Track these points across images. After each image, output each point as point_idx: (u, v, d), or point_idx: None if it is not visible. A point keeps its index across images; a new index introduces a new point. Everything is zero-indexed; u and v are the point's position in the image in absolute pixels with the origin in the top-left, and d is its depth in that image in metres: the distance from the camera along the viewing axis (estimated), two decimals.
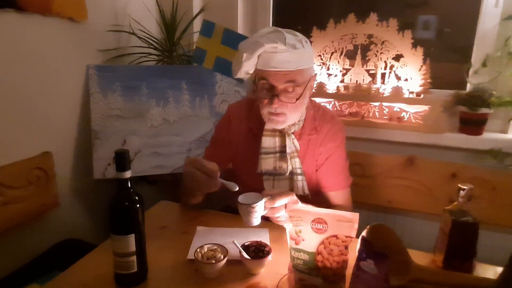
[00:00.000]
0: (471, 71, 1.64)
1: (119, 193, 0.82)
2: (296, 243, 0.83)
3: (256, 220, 0.95)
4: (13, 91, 1.32)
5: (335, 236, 0.80)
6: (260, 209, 0.94)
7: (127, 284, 0.85)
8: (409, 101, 1.66)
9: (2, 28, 1.27)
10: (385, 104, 1.71)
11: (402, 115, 1.70)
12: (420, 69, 1.62)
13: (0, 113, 1.29)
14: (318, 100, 1.66)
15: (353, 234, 0.79)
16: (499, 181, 1.40)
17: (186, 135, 1.73)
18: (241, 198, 0.96)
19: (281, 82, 1.05)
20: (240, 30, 1.96)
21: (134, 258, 0.82)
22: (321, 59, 1.79)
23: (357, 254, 0.81)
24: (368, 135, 1.72)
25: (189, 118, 1.75)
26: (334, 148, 1.19)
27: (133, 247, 0.82)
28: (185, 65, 1.86)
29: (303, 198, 1.07)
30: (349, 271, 0.82)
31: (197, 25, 1.88)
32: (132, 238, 0.81)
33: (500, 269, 0.78)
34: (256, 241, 0.94)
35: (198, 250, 0.90)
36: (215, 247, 0.92)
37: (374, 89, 1.72)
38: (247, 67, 1.06)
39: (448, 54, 1.81)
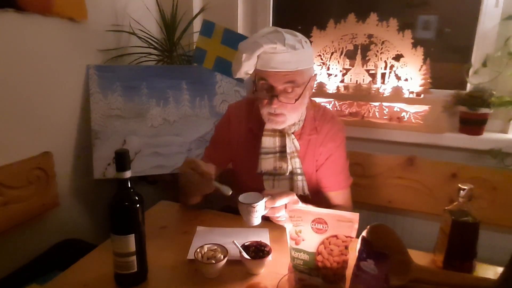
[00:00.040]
0: (471, 71, 1.64)
1: (119, 193, 0.82)
2: (296, 243, 0.83)
3: (256, 219, 0.95)
4: (13, 91, 1.32)
5: (335, 236, 0.80)
6: (260, 208, 0.94)
7: (127, 284, 0.85)
8: (409, 101, 1.66)
9: (2, 28, 1.27)
10: (385, 104, 1.71)
11: (402, 115, 1.70)
12: (420, 69, 1.62)
13: (0, 113, 1.29)
14: (318, 100, 1.66)
15: (353, 234, 0.79)
16: (499, 181, 1.40)
17: (186, 135, 1.73)
18: (241, 198, 0.96)
19: (281, 82, 1.05)
20: (240, 30, 1.96)
21: (134, 258, 0.82)
22: (321, 59, 1.79)
23: (357, 254, 0.81)
24: (368, 135, 1.72)
25: (189, 118, 1.75)
26: (334, 148, 1.19)
27: (133, 247, 0.82)
28: (185, 65, 1.86)
29: (303, 198, 1.07)
30: (349, 271, 0.82)
31: (197, 25, 1.88)
32: (132, 238, 0.81)
33: (500, 269, 0.78)
34: (256, 241, 0.94)
35: (198, 250, 0.90)
36: (215, 247, 0.92)
37: (374, 89, 1.72)
38: (246, 68, 1.06)
39: (448, 54, 1.81)
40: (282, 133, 1.16)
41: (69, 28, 1.51)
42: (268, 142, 1.16)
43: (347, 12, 1.72)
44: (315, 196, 1.19)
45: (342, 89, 1.78)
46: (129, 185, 0.82)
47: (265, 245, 0.93)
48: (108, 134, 1.62)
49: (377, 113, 1.74)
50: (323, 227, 0.80)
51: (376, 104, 1.73)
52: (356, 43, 1.72)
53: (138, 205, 0.82)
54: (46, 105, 1.45)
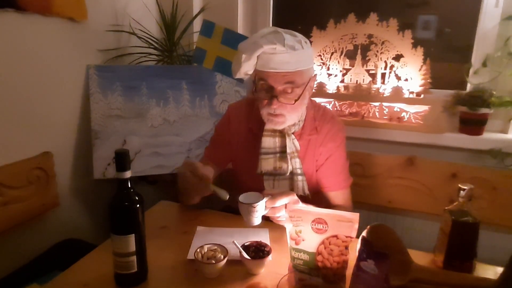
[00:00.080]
0: (471, 71, 1.64)
1: (119, 193, 0.82)
2: (296, 243, 0.83)
3: (257, 219, 0.95)
4: (13, 91, 1.32)
5: (335, 236, 0.80)
6: (261, 208, 0.94)
7: (127, 284, 0.85)
8: (409, 101, 1.66)
9: (2, 28, 1.27)
10: (385, 104, 1.71)
11: (402, 115, 1.70)
12: (420, 69, 1.62)
13: (0, 113, 1.29)
14: (318, 100, 1.66)
15: (353, 234, 0.79)
16: (499, 181, 1.40)
17: (186, 135, 1.73)
18: (242, 198, 0.96)
19: (280, 83, 1.05)
20: (240, 30, 1.96)
21: (134, 258, 0.82)
22: (321, 59, 1.79)
23: (357, 254, 0.81)
24: (368, 135, 1.72)
25: (189, 118, 1.75)
26: (334, 148, 1.19)
27: (133, 247, 0.82)
28: (185, 65, 1.86)
29: (303, 198, 1.07)
30: (349, 271, 0.82)
31: (197, 25, 1.88)
32: (132, 238, 0.81)
33: (500, 269, 0.78)
34: (256, 241, 0.94)
35: (198, 250, 0.90)
36: (215, 247, 0.92)
37: (374, 89, 1.72)
38: (246, 68, 1.06)
39: (448, 54, 1.81)
40: (282, 134, 1.16)
41: (69, 28, 1.51)
42: (268, 142, 1.16)
43: (347, 12, 1.72)
44: (315, 196, 1.19)
45: (342, 89, 1.78)
46: (129, 185, 0.82)
47: (265, 245, 0.93)
48: (108, 134, 1.62)
49: (377, 113, 1.74)
50: (323, 227, 0.80)
51: (376, 104, 1.73)
52: (356, 43, 1.72)
53: (138, 205, 0.82)
54: (46, 105, 1.45)
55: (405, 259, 0.86)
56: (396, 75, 1.68)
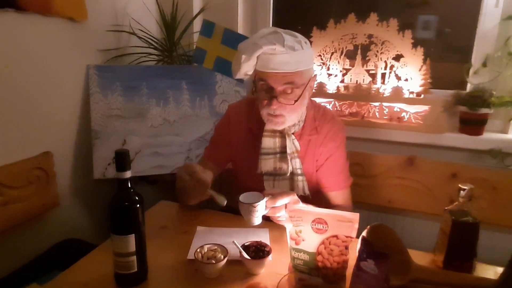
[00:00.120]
0: (471, 71, 1.64)
1: (119, 193, 0.82)
2: (296, 243, 0.83)
3: (257, 219, 0.95)
4: (13, 91, 1.32)
5: (335, 236, 0.80)
6: (261, 208, 0.94)
7: (127, 284, 0.85)
8: (409, 101, 1.66)
9: (2, 28, 1.27)
10: (385, 104, 1.71)
11: (402, 115, 1.70)
12: (420, 69, 1.62)
13: (0, 113, 1.29)
14: (318, 100, 1.66)
15: (353, 234, 0.79)
16: (499, 181, 1.40)
17: (186, 135, 1.73)
18: (242, 197, 0.96)
19: (280, 83, 1.05)
20: (240, 30, 1.96)
21: (134, 258, 0.82)
22: (321, 59, 1.79)
23: (357, 254, 0.81)
24: (368, 135, 1.72)
25: (189, 118, 1.75)
26: (335, 148, 1.19)
27: (133, 247, 0.82)
28: (185, 65, 1.86)
29: (304, 199, 1.06)
30: (349, 271, 0.82)
31: (197, 25, 1.88)
32: (132, 238, 0.81)
33: (500, 270, 0.78)
34: (256, 241, 0.94)
35: (198, 250, 0.90)
36: (215, 247, 0.92)
37: (374, 89, 1.72)
38: (246, 68, 1.06)
39: (448, 54, 1.81)
40: (282, 134, 1.16)
41: (69, 28, 1.50)
42: (268, 142, 1.16)
43: (347, 12, 1.72)
44: (315, 196, 1.19)
45: (342, 89, 1.78)
46: (129, 185, 0.82)
47: (265, 245, 0.93)
48: (108, 134, 1.62)
49: (377, 113, 1.74)
50: (323, 227, 0.80)
51: (376, 104, 1.73)
52: (356, 43, 1.72)
53: (138, 205, 0.82)
54: (46, 105, 1.45)
55: (405, 259, 0.86)
56: (396, 75, 1.68)
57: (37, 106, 1.42)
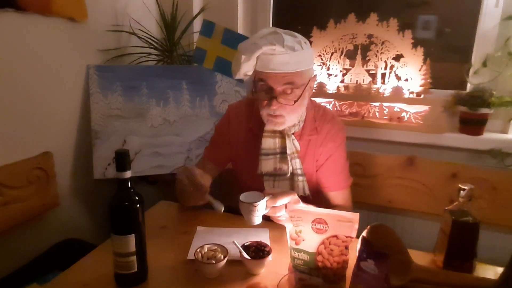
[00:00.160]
0: (471, 71, 1.64)
1: (119, 193, 0.82)
2: (296, 243, 0.83)
3: (257, 219, 0.95)
4: (13, 91, 1.32)
5: (336, 236, 0.80)
6: (261, 208, 0.94)
7: (127, 284, 0.85)
8: (409, 101, 1.66)
9: (2, 28, 1.27)
10: (385, 104, 1.71)
11: (402, 115, 1.70)
12: (420, 69, 1.62)
13: (0, 113, 1.29)
14: (318, 100, 1.66)
15: (354, 234, 0.79)
16: (499, 181, 1.40)
17: (186, 135, 1.73)
18: (242, 197, 0.96)
19: (280, 84, 1.05)
20: (240, 30, 1.96)
21: (134, 258, 0.82)
22: (321, 59, 1.79)
23: (357, 254, 0.81)
24: (368, 135, 1.72)
25: (189, 118, 1.75)
26: (335, 148, 1.19)
27: (133, 247, 0.82)
28: (185, 65, 1.86)
29: (304, 199, 1.06)
30: (349, 271, 0.82)
31: (197, 25, 1.88)
32: (132, 238, 0.81)
33: (500, 269, 0.78)
34: (256, 241, 0.94)
35: (198, 250, 0.90)
36: (215, 247, 0.92)
37: (374, 89, 1.72)
38: (245, 69, 1.06)
39: (448, 54, 1.81)
40: (282, 134, 1.16)
41: (69, 28, 1.50)
42: (268, 143, 1.16)
43: (347, 12, 1.72)
44: (316, 196, 1.19)
45: (342, 89, 1.78)
46: (129, 185, 0.82)
47: (265, 245, 0.93)
48: (108, 134, 1.62)
49: (377, 113, 1.74)
50: (323, 227, 0.80)
51: (376, 104, 1.73)
52: (356, 43, 1.72)
53: (138, 205, 0.82)
54: (46, 105, 1.45)
55: (405, 259, 0.86)
56: (396, 75, 1.68)
57: (37, 106, 1.42)
